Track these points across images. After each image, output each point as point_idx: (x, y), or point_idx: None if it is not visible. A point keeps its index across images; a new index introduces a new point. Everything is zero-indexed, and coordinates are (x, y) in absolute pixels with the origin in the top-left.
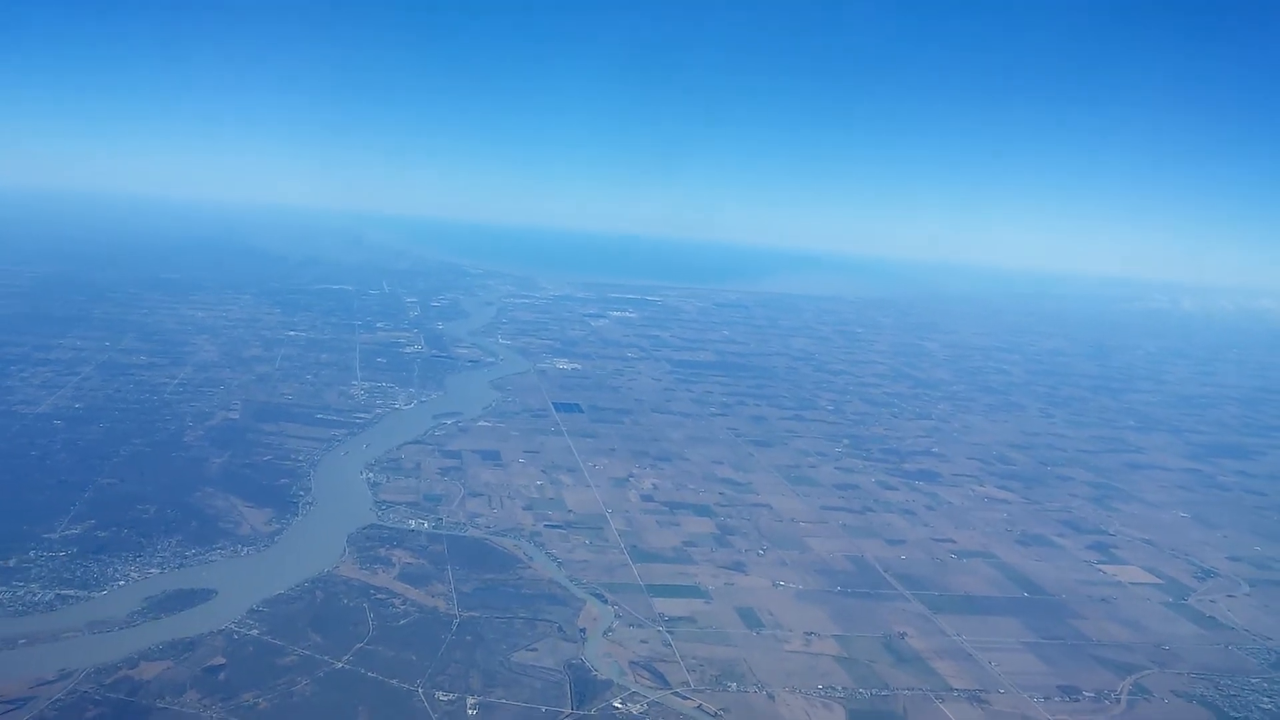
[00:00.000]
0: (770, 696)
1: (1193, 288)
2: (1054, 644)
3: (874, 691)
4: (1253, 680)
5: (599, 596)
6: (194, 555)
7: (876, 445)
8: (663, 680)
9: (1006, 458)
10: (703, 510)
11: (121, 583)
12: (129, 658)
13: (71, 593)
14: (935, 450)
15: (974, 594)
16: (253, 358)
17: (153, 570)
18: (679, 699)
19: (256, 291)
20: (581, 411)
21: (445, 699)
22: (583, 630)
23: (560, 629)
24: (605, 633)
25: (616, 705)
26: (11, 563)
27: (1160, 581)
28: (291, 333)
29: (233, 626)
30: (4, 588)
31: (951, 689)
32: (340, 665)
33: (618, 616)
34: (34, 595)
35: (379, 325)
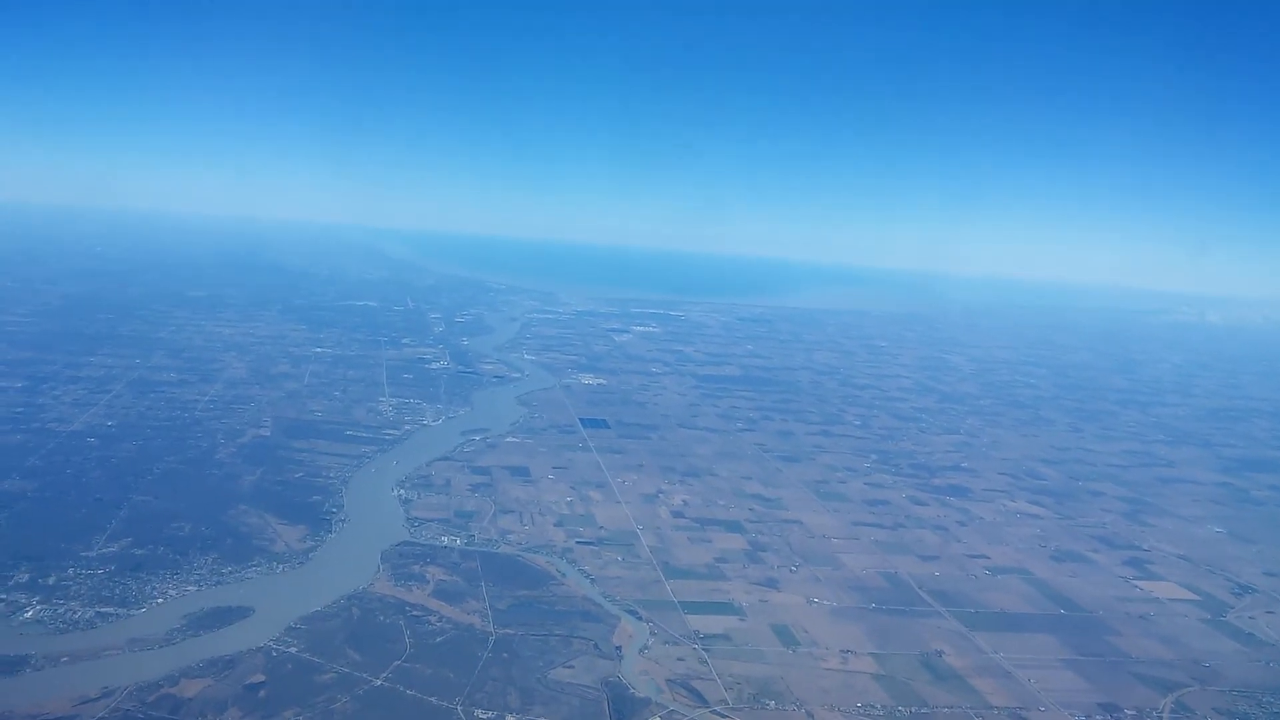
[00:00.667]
0: (809, 715)
1: (1218, 300)
2: (1093, 661)
3: (913, 709)
4: None
5: (633, 613)
6: (230, 573)
7: (905, 460)
8: (700, 698)
9: (1037, 473)
10: (733, 526)
11: (160, 600)
12: (170, 675)
13: (111, 610)
14: (965, 465)
15: (1010, 611)
16: (281, 374)
17: (190, 588)
18: (718, 717)
19: (282, 308)
20: (608, 427)
21: (484, 717)
22: (618, 647)
23: (596, 646)
24: (641, 650)
25: None
26: (51, 580)
27: (1197, 598)
28: (318, 349)
29: (271, 644)
30: (44, 605)
31: (991, 707)
32: (379, 683)
33: (653, 634)
34: (74, 613)
35: (404, 341)
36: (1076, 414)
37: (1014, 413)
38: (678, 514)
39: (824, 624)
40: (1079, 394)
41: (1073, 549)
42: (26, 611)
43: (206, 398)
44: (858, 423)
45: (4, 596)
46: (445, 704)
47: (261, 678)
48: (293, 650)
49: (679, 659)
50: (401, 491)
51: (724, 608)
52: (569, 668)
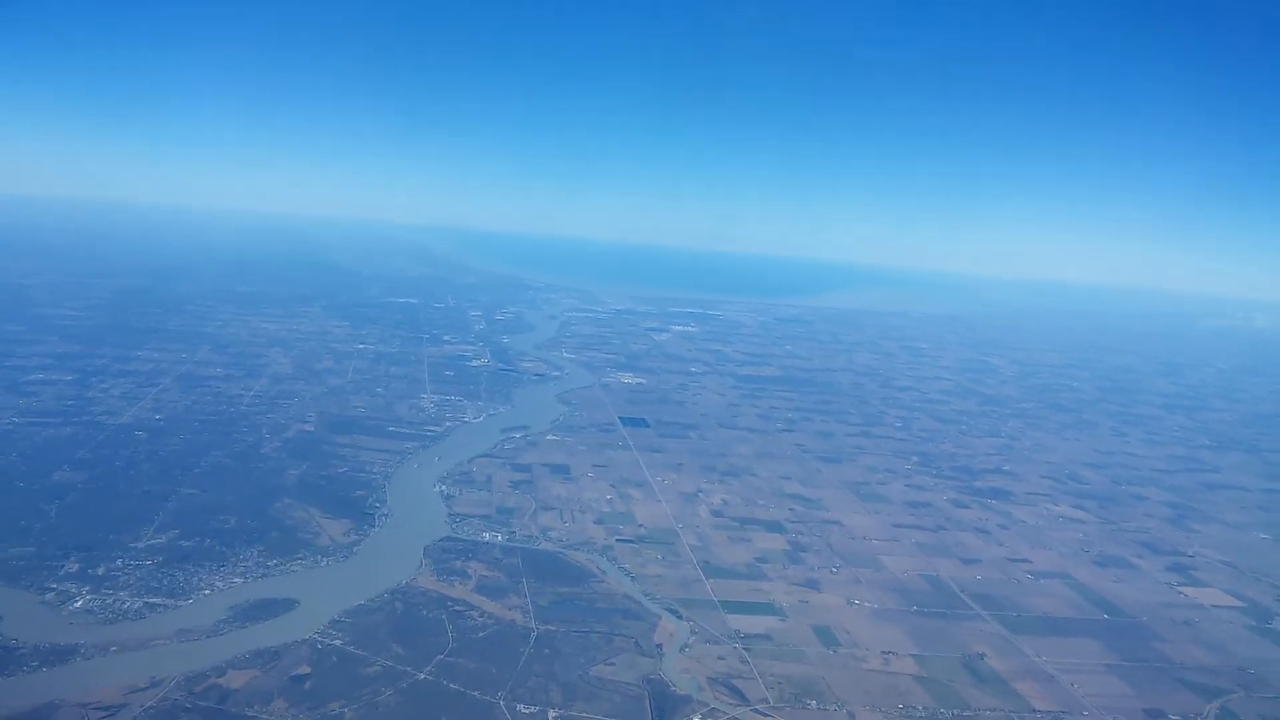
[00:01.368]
0: (851, 715)
1: (1265, 304)
2: (1137, 666)
3: (955, 712)
4: None
5: (673, 612)
6: (276, 565)
7: (946, 463)
8: (742, 697)
9: (1080, 476)
10: (774, 526)
11: (207, 591)
12: (217, 666)
13: (159, 601)
14: (1006, 468)
15: (1052, 615)
16: (325, 370)
17: (236, 580)
18: (759, 716)
19: (325, 305)
20: (648, 426)
21: (527, 712)
22: (659, 645)
23: (637, 644)
24: (682, 648)
25: None
26: (100, 571)
27: (1242, 604)
28: (361, 345)
29: (316, 636)
30: (94, 595)
31: (1034, 710)
32: (422, 676)
33: (693, 632)
34: (123, 603)
35: (445, 339)
36: (1120, 418)
37: (1057, 416)
38: (717, 513)
39: (865, 625)
40: (1123, 397)
41: (1116, 554)
42: (76, 601)
43: (252, 392)
44: (898, 424)
45: (55, 586)
46: (488, 698)
47: (307, 669)
48: (337, 643)
49: (720, 658)
50: (443, 487)
51: (765, 608)
52: (610, 664)
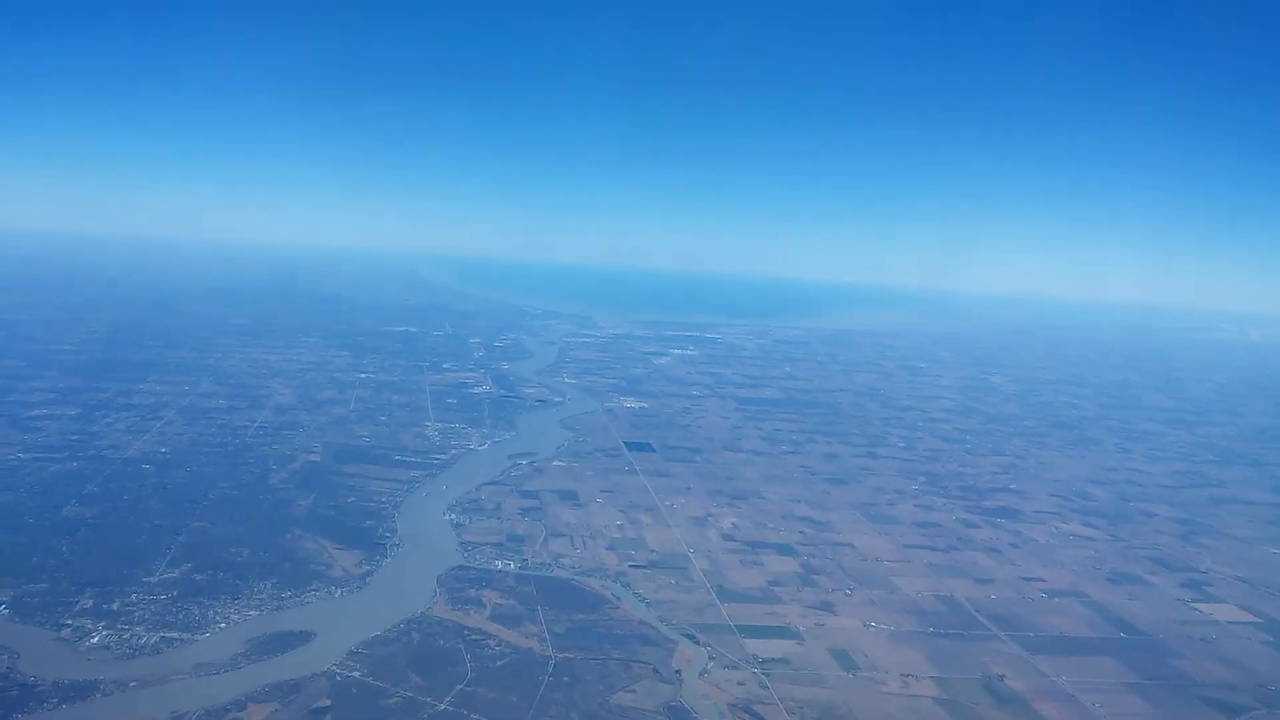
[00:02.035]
0: None
1: (1260, 317)
2: (1156, 684)
3: None
4: None
5: (690, 637)
6: (290, 597)
7: (953, 482)
8: None
9: (1087, 494)
10: (785, 549)
11: (222, 625)
12: (237, 700)
13: (175, 635)
14: (1014, 487)
15: (1069, 634)
16: (328, 400)
17: (251, 612)
18: None
19: (323, 334)
20: (654, 450)
21: None
22: (678, 672)
23: (656, 670)
24: (701, 674)
25: None
26: (115, 606)
27: (1259, 620)
28: (362, 375)
29: (334, 668)
30: (110, 631)
31: None
32: (443, 707)
33: (711, 658)
34: (139, 638)
35: (446, 366)
36: (1123, 434)
37: (1059, 433)
38: (728, 537)
39: (883, 648)
40: (1124, 414)
41: (1129, 571)
42: (93, 637)
43: (256, 424)
44: (902, 444)
45: (70, 622)
46: None
47: (327, 702)
48: (356, 674)
49: (739, 683)
50: (452, 516)
51: (781, 631)
52: (631, 692)
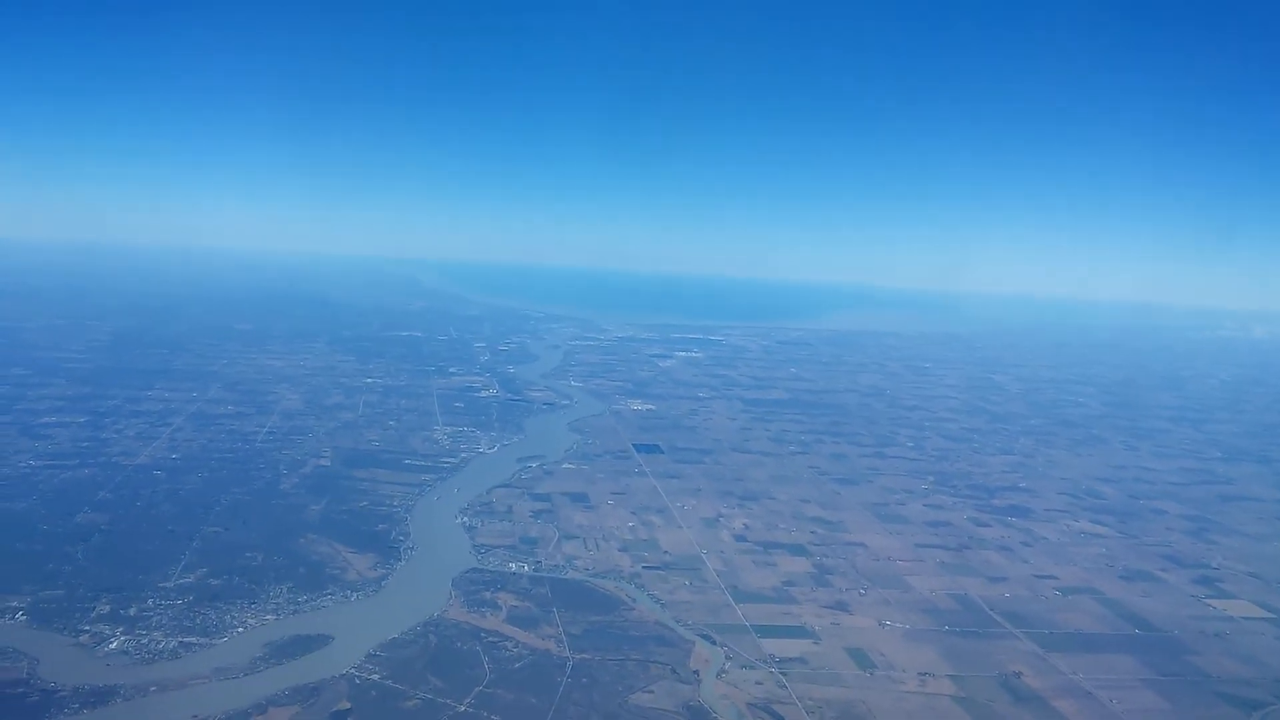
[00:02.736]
0: None
1: (1263, 314)
2: (1173, 680)
3: None
4: None
5: (706, 638)
6: (306, 601)
7: (963, 481)
8: None
9: (1096, 491)
10: (797, 550)
11: (240, 629)
12: (258, 703)
13: (193, 640)
14: (1023, 485)
15: (1084, 631)
16: (335, 405)
17: (268, 617)
18: None
19: (329, 340)
20: (662, 452)
21: None
22: (695, 672)
23: (673, 670)
24: (719, 674)
25: None
26: (132, 611)
27: (1272, 615)
28: (369, 379)
29: (353, 671)
30: (128, 636)
31: None
32: (463, 708)
33: (728, 658)
34: (158, 643)
35: (452, 370)
36: (1129, 432)
37: (1066, 432)
38: (740, 538)
39: (899, 646)
40: (1130, 412)
41: (1141, 568)
42: (111, 643)
43: (265, 429)
44: (910, 444)
45: (88, 628)
46: None
47: (347, 705)
48: (375, 677)
49: (757, 683)
50: (465, 519)
51: (797, 631)
52: (649, 692)
